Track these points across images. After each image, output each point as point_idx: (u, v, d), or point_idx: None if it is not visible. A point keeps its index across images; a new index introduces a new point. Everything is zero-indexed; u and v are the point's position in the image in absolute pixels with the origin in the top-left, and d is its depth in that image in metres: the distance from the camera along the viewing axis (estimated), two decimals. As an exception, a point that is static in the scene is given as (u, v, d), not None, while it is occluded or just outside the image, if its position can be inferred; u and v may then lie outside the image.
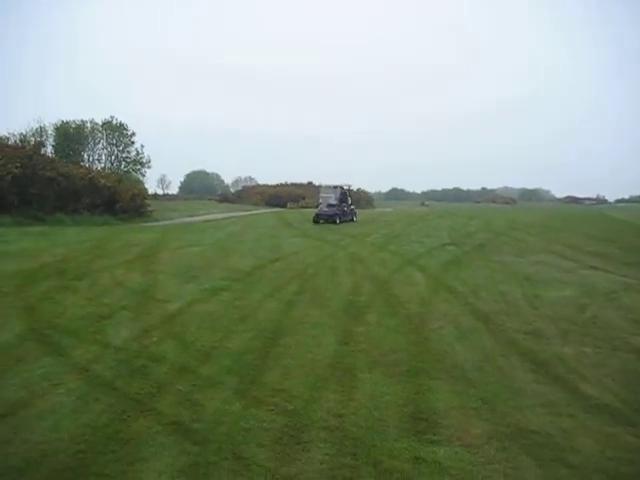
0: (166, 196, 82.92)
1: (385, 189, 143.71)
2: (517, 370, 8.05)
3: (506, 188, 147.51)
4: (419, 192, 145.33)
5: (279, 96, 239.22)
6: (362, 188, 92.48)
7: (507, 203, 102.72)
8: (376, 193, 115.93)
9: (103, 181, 38.06)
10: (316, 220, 34.52)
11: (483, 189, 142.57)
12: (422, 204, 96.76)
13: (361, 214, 49.98)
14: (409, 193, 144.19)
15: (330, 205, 35.48)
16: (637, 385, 7.61)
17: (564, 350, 8.98)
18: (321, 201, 36.85)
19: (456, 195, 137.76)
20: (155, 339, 8.95)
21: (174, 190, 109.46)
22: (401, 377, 7.62)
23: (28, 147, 36.40)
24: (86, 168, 45.37)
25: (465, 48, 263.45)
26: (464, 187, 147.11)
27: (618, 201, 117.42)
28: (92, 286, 12.90)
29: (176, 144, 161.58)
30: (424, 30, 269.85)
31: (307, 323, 10.20)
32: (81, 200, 35.41)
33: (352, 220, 36.70)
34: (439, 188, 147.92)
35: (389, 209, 71.52)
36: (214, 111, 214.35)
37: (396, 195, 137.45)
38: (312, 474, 4.96)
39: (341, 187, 37.45)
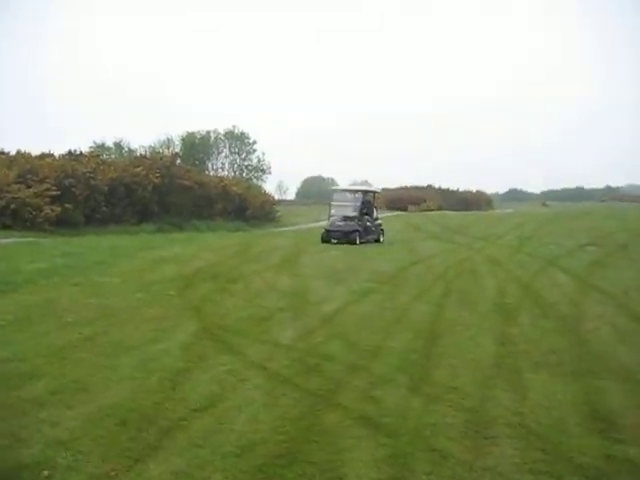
0: (284, 202, 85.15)
1: (503, 190, 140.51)
2: (691, 372, 7.90)
3: (631, 186, 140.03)
4: (538, 192, 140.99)
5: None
6: (480, 189, 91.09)
7: (636, 201, 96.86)
8: (494, 194, 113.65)
9: (235, 188, 39.96)
10: (326, 239, 25.07)
11: (607, 187, 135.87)
12: (543, 204, 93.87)
13: (483, 216, 49.15)
14: (528, 193, 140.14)
15: (347, 218, 25.91)
16: None
17: None
18: (333, 211, 27.01)
19: (578, 194, 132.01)
20: (320, 339, 9.40)
21: (291, 196, 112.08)
22: (567, 377, 7.68)
23: (165, 158, 38.66)
24: (218, 176, 47.78)
25: None
26: (586, 186, 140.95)
27: None
28: (246, 289, 13.68)
29: (290, 150, 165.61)
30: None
31: (461, 325, 10.41)
32: (214, 207, 37.34)
33: (377, 241, 26.69)
34: (559, 188, 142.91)
35: (509, 210, 69.94)
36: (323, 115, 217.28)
37: (515, 195, 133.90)
38: (508, 467, 5.16)
39: (363, 192, 27.63)
